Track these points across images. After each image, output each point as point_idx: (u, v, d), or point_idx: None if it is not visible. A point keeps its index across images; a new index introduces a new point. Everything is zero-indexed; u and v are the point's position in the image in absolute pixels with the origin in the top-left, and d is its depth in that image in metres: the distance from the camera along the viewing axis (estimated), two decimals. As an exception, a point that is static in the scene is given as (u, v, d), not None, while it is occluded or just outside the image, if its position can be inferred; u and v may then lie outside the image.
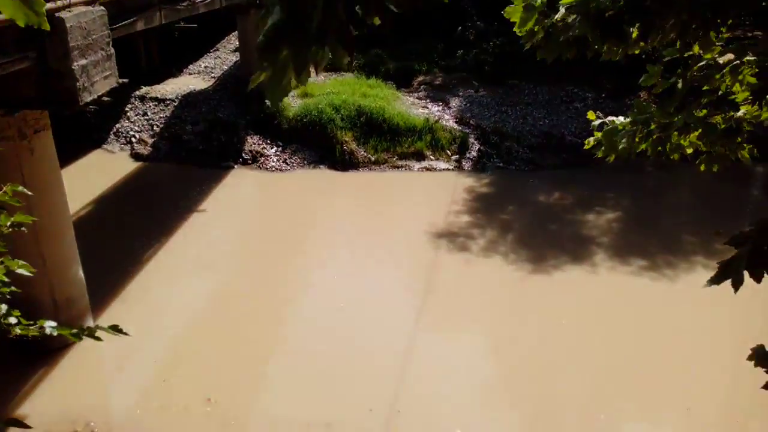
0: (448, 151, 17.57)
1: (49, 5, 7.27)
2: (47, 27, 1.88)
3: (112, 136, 18.14)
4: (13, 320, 3.07)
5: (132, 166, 16.97)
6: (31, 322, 3.09)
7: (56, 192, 9.15)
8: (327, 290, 11.38)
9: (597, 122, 5.03)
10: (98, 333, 3.13)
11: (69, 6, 7.71)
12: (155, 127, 18.26)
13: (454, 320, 10.56)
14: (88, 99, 8.10)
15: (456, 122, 18.69)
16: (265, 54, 2.11)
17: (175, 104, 18.89)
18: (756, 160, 4.78)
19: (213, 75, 21.12)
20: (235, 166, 16.98)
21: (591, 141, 5.06)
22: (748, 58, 4.00)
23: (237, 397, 8.59)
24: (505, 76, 20.42)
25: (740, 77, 4.19)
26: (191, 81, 20.58)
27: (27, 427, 2.95)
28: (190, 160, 17.12)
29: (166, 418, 8.17)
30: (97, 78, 8.29)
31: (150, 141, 17.88)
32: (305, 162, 17.14)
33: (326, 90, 19.13)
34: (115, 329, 3.15)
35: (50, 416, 8.09)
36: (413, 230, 13.48)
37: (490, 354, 9.89)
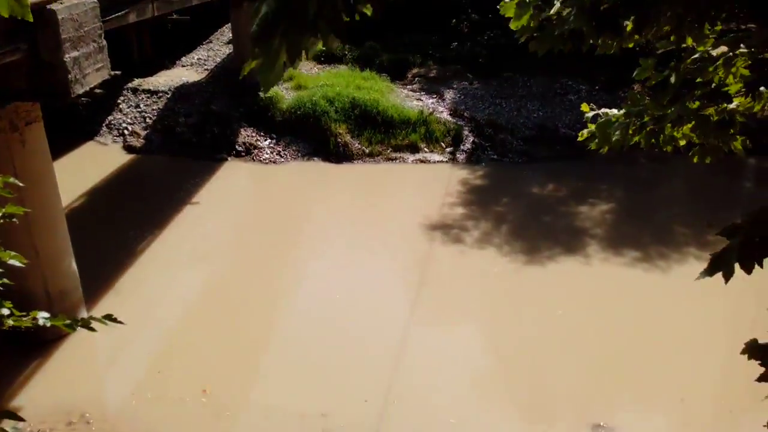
0: (443, 144, 17.58)
1: (40, -4, 7.21)
2: (30, 18, 1.88)
3: (104, 129, 18.04)
4: (5, 312, 3.06)
5: (125, 158, 16.89)
6: (24, 314, 3.08)
7: (48, 184, 9.11)
8: (321, 282, 11.40)
9: (590, 114, 5.04)
10: (92, 324, 3.12)
11: (60, -3, 7.64)
12: (148, 120, 18.17)
13: (448, 311, 10.60)
14: (80, 91, 8.05)
15: (450, 114, 18.68)
16: (259, 42, 2.13)
17: (168, 96, 18.79)
18: (749, 152, 4.80)
19: (206, 67, 21.01)
20: (229, 159, 16.93)
21: (585, 133, 5.08)
22: (741, 50, 4.01)
23: (232, 388, 8.61)
24: (499, 69, 20.40)
25: (733, 70, 4.20)
26: (184, 73, 20.47)
27: (20, 419, 2.95)
28: (183, 152, 17.06)
29: (161, 409, 8.18)
30: (89, 70, 8.23)
31: (143, 133, 17.79)
32: (299, 154, 17.11)
33: (320, 82, 19.07)
34: (110, 318, 3.15)
35: (45, 408, 8.09)
36: (407, 222, 13.49)
37: (484, 345, 9.94)
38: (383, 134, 17.42)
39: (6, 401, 8.21)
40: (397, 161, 16.97)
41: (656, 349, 9.39)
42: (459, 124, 18.10)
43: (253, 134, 17.62)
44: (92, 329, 3.17)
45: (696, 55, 4.27)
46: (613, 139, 4.68)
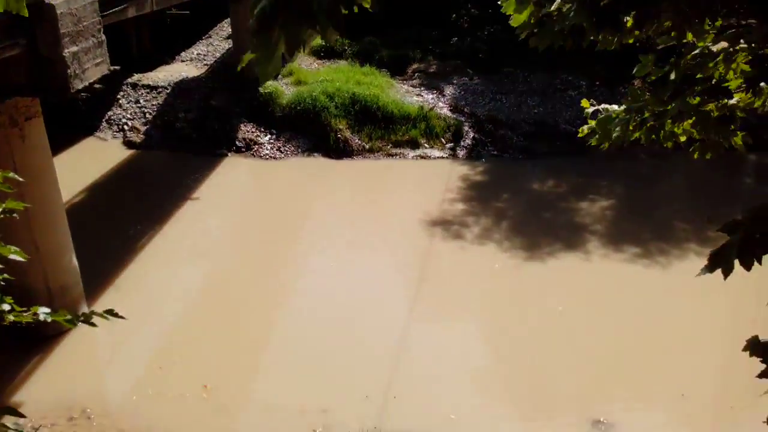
0: (443, 139, 17.56)
1: (39, -9, 7.19)
2: (25, 13, 1.88)
3: (104, 124, 18.01)
4: (6, 307, 3.06)
5: (124, 153, 16.88)
6: (25, 309, 3.08)
7: (48, 180, 9.11)
8: (322, 278, 11.40)
9: (591, 110, 5.03)
10: (93, 319, 3.12)
11: (60, -8, 7.62)
12: (148, 115, 18.15)
13: (448, 307, 10.61)
14: (80, 86, 8.05)
15: (450, 110, 18.65)
16: (258, 34, 2.15)
17: (168, 92, 18.76)
18: (749, 148, 4.80)
19: (206, 62, 20.96)
20: (229, 154, 16.91)
21: (585, 129, 5.06)
22: (741, 45, 4.00)
23: (232, 384, 8.63)
24: (499, 64, 20.37)
25: (734, 65, 4.19)
26: (184, 68, 20.43)
27: (21, 416, 2.95)
28: (183, 147, 17.04)
29: (161, 405, 8.20)
30: (88, 65, 8.22)
31: (142, 129, 17.78)
32: (299, 150, 17.09)
33: (320, 77, 19.03)
34: (111, 313, 3.15)
35: (46, 403, 8.11)
36: (408, 218, 13.49)
37: (484, 341, 9.95)
38: (383, 130, 17.41)
39: (7, 397, 8.23)
40: (398, 157, 16.95)
41: (657, 345, 9.41)
42: (459, 120, 18.08)
43: (253, 130, 17.60)
44: (93, 324, 3.17)
45: (696, 51, 4.26)
46: (614, 135, 4.67)
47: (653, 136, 4.67)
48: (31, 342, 8.96)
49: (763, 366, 3.20)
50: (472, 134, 17.80)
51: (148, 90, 18.86)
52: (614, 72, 18.35)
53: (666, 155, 14.24)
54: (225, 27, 23.19)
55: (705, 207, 14.05)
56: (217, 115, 17.75)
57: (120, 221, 13.02)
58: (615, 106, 4.82)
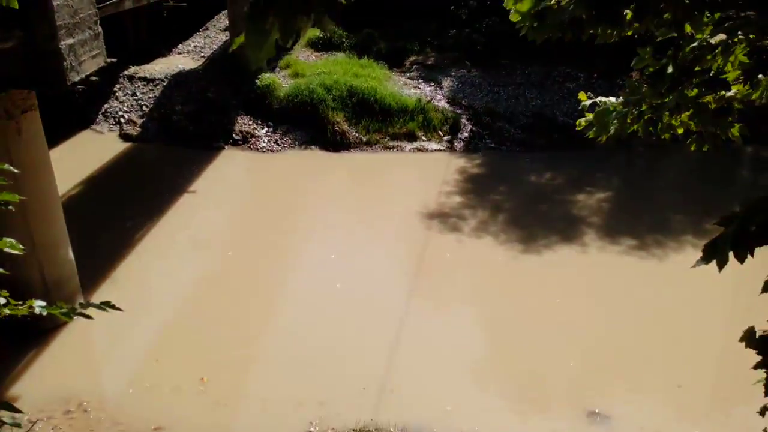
0: (440, 132, 17.53)
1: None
2: (15, 5, 1.87)
3: (100, 117, 17.94)
4: (1, 300, 3.05)
5: (121, 146, 16.82)
6: (20, 302, 3.07)
7: (45, 172, 9.08)
8: (318, 270, 11.41)
9: (588, 103, 5.01)
10: (90, 311, 3.11)
11: (55, -17, 7.57)
12: (144, 108, 18.08)
13: (445, 300, 10.63)
14: (76, 79, 8.01)
15: (448, 103, 18.62)
16: (252, 20, 2.13)
17: (165, 84, 18.68)
18: (746, 140, 4.80)
19: (203, 55, 20.88)
20: (226, 147, 16.87)
21: (582, 122, 5.05)
22: (739, 37, 3.99)
23: (230, 376, 8.64)
24: (497, 56, 20.32)
25: (732, 58, 4.18)
26: (180, 61, 20.35)
27: (18, 411, 2.94)
28: (180, 140, 16.98)
29: (158, 398, 8.22)
30: (84, 57, 8.18)
31: (139, 122, 17.71)
32: (296, 143, 17.05)
33: (317, 70, 18.97)
34: (108, 305, 3.14)
35: (43, 397, 8.12)
36: (405, 211, 13.49)
37: (481, 333, 9.98)
38: (381, 122, 17.37)
39: (3, 391, 8.23)
40: (395, 150, 16.93)
41: (653, 337, 9.44)
42: (457, 113, 18.05)
43: (250, 122, 17.55)
44: (89, 317, 3.16)
45: (695, 44, 4.25)
46: (611, 128, 4.66)
47: (651, 129, 4.66)
48: (27, 336, 8.95)
49: (758, 357, 3.21)
50: (469, 127, 17.78)
51: (144, 82, 18.78)
52: (612, 64, 18.30)
53: (663, 147, 14.25)
54: (222, 19, 23.09)
55: (701, 199, 14.09)
56: (214, 107, 17.68)
57: (116, 214, 13.00)
58: (612, 99, 4.81)
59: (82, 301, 9.89)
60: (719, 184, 14.91)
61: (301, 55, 20.66)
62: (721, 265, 2.97)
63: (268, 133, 17.28)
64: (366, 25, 21.26)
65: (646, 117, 4.52)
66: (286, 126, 17.42)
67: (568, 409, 8.10)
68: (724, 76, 4.27)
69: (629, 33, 4.22)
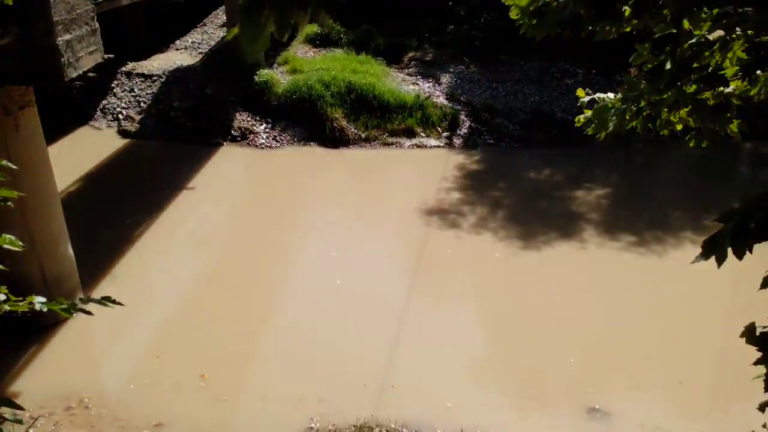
0: (439, 128, 17.53)
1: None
2: (9, 1, 1.86)
3: (98, 113, 17.92)
4: (1, 297, 3.06)
5: (119, 143, 16.80)
6: (20, 299, 3.07)
7: (43, 169, 9.07)
8: (318, 267, 11.41)
9: (586, 99, 5.02)
10: (90, 307, 3.11)
11: (52, -21, 7.55)
12: (142, 104, 18.05)
13: (445, 296, 10.64)
14: (74, 75, 7.99)
15: (446, 99, 18.61)
16: (247, 13, 2.13)
17: (162, 80, 18.65)
18: (745, 137, 4.80)
19: (200, 51, 20.83)
20: (224, 143, 16.85)
21: (581, 119, 5.05)
22: (737, 33, 3.99)
23: (230, 373, 8.65)
24: (495, 52, 20.30)
25: (730, 54, 4.18)
26: (178, 57, 20.30)
27: (20, 408, 2.94)
28: (179, 137, 16.97)
29: (159, 394, 8.22)
30: (82, 53, 8.16)
31: (137, 118, 17.69)
32: (295, 139, 17.04)
33: (316, 66, 18.94)
34: (108, 300, 3.14)
35: (43, 393, 8.12)
36: (404, 207, 13.50)
37: (480, 329, 9.99)
38: (379, 119, 17.36)
39: (4, 387, 8.24)
40: (394, 146, 16.92)
41: (653, 333, 9.46)
42: (455, 109, 18.05)
43: (249, 119, 17.54)
44: (89, 313, 3.17)
45: (693, 40, 4.25)
46: (610, 124, 4.67)
47: (649, 125, 4.67)
48: (27, 332, 8.95)
49: (759, 354, 3.23)
50: (468, 123, 17.77)
51: (142, 79, 18.75)
52: (611, 60, 18.32)
53: (662, 143, 14.27)
54: (220, 15, 23.04)
55: (700, 195, 14.10)
56: (213, 103, 17.66)
57: (116, 210, 13.00)
58: (610, 95, 4.81)
59: (82, 296, 9.88)
60: (718, 180, 14.93)
61: (299, 51, 20.63)
62: (720, 261, 2.98)
63: (267, 130, 17.27)
64: (364, 21, 21.23)
65: (644, 113, 4.53)
66: (285, 122, 17.41)
67: (568, 406, 8.12)
68: (723, 72, 4.28)
69: (628, 29, 4.22)
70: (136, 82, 18.64)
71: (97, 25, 8.56)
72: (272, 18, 2.15)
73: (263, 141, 16.92)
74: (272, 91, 17.80)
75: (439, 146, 17.01)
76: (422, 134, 17.31)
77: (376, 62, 19.62)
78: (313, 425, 7.73)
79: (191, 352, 9.03)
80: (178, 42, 21.52)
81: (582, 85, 6.44)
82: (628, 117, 4.60)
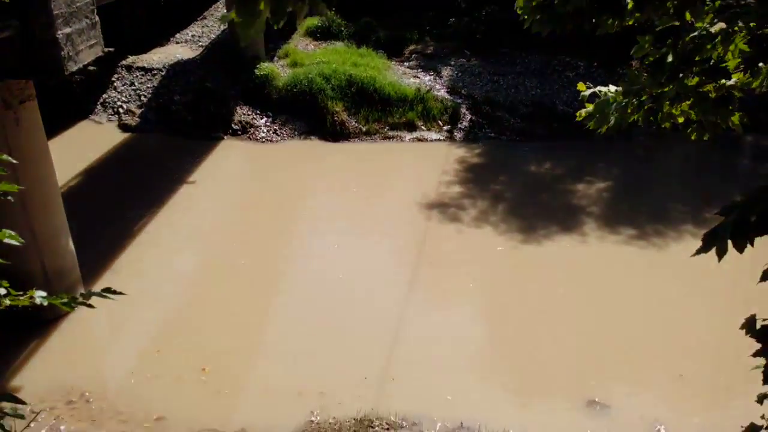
0: (440, 122, 17.49)
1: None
2: None
3: (99, 107, 17.89)
4: (2, 291, 3.05)
5: (120, 137, 16.79)
6: (21, 293, 3.07)
7: (44, 163, 9.06)
8: (319, 261, 11.41)
9: (587, 93, 4.99)
10: (92, 300, 3.11)
11: (51, -28, 7.52)
12: (143, 98, 18.02)
13: (446, 290, 10.65)
14: (74, 68, 7.97)
15: (447, 92, 18.55)
16: (243, 1, 2.12)
17: (163, 74, 18.61)
18: (746, 129, 4.79)
19: (201, 44, 20.77)
20: (225, 137, 16.83)
21: (583, 113, 5.03)
22: (739, 25, 3.97)
23: (231, 366, 8.67)
24: (497, 45, 20.22)
25: (732, 47, 4.17)
26: (178, 50, 20.24)
27: (22, 402, 2.95)
28: (179, 130, 16.94)
29: (160, 388, 8.25)
30: (82, 47, 8.14)
31: (138, 112, 17.66)
32: (295, 133, 17.01)
33: (316, 59, 18.88)
34: (109, 291, 3.14)
35: (44, 387, 8.15)
36: (405, 201, 13.49)
37: (481, 322, 10.01)
38: (380, 112, 17.32)
39: (6, 381, 8.27)
40: (395, 140, 16.90)
41: (654, 326, 9.47)
42: (456, 102, 18.00)
43: (249, 112, 17.50)
44: (91, 306, 3.16)
45: (695, 33, 4.23)
46: (612, 118, 4.65)
47: (651, 118, 4.66)
48: (28, 326, 8.97)
49: (758, 345, 3.23)
50: (469, 116, 17.73)
51: (142, 72, 18.71)
52: (612, 53, 18.22)
53: (663, 136, 14.23)
54: (220, 8, 22.96)
55: (702, 188, 14.09)
56: (213, 97, 17.61)
57: (116, 205, 13.00)
58: (612, 88, 4.80)
59: (83, 291, 9.91)
60: (719, 173, 14.91)
61: (300, 44, 20.57)
62: (721, 254, 2.97)
63: (267, 123, 17.24)
64: (364, 13, 21.15)
65: (646, 107, 4.52)
66: (285, 116, 17.37)
67: (568, 398, 8.14)
68: (725, 64, 4.26)
69: (630, 23, 4.21)
70: (137, 76, 18.60)
71: (97, 18, 8.53)
72: (269, 7, 2.14)
73: (264, 135, 16.90)
74: (273, 85, 17.76)
75: (439, 140, 16.99)
76: (423, 128, 17.27)
77: (377, 55, 19.56)
78: (313, 418, 7.76)
79: (192, 345, 9.05)
80: (178, 35, 21.45)
81: (583, 77, 6.43)
82: (629, 110, 4.59)
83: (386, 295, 10.29)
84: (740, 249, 2.95)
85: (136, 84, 18.39)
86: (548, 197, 13.91)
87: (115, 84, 18.39)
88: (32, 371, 8.52)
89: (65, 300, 3.08)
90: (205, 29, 21.96)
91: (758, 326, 3.25)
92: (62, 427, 7.59)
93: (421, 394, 8.14)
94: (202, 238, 12.15)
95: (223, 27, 21.72)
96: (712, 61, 4.30)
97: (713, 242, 3.00)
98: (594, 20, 3.95)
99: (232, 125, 17.11)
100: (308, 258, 11.64)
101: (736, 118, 4.56)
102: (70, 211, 9.75)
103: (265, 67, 18.05)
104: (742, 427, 3.57)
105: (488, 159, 16.06)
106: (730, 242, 2.94)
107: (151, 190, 13.74)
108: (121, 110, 17.72)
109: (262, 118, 17.37)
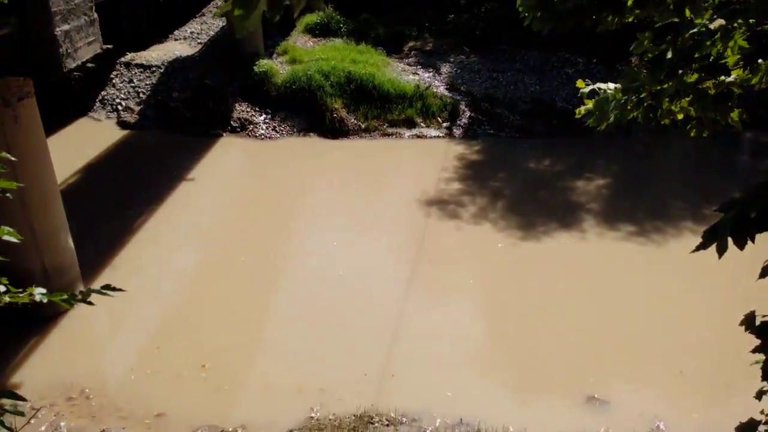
0: (439, 119, 17.48)
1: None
2: None
3: (98, 104, 17.86)
4: (1, 288, 3.05)
5: (119, 134, 16.76)
6: (20, 290, 3.07)
7: (42, 160, 9.06)
8: (318, 258, 11.42)
9: (586, 90, 4.99)
10: (91, 297, 3.11)
11: (50, -31, 7.50)
12: (141, 95, 17.99)
13: (445, 286, 10.66)
14: (72, 65, 7.96)
15: (447, 89, 18.54)
16: None
17: (162, 71, 18.57)
18: (746, 125, 4.79)
19: (199, 41, 20.73)
20: (224, 134, 16.81)
21: (582, 110, 5.03)
22: (738, 22, 3.97)
23: (231, 363, 8.68)
24: (496, 42, 20.20)
25: (731, 43, 4.16)
26: (177, 47, 20.20)
27: (22, 399, 2.95)
28: (178, 128, 16.92)
29: (160, 384, 8.26)
30: (80, 44, 8.13)
31: (136, 109, 17.63)
32: (295, 130, 16.99)
33: (315, 56, 18.85)
34: (109, 288, 3.14)
35: (44, 384, 8.16)
36: (404, 198, 13.49)
37: (480, 319, 10.02)
38: (379, 109, 17.30)
39: (6, 378, 8.27)
40: (394, 137, 16.88)
41: (653, 323, 9.48)
42: (456, 99, 17.98)
43: (248, 109, 17.48)
44: (90, 303, 3.16)
45: (694, 29, 4.23)
46: (611, 116, 4.65)
47: (650, 115, 4.65)
48: (28, 324, 8.98)
49: (758, 341, 3.24)
50: (468, 113, 17.72)
51: (141, 69, 18.67)
52: (612, 50, 18.22)
53: (662, 133, 14.23)
54: (218, 5, 22.90)
55: (701, 185, 14.09)
56: (212, 94, 17.59)
57: (115, 202, 12.99)
58: (611, 84, 4.79)
59: (82, 288, 9.91)
60: (718, 169, 14.91)
61: (299, 41, 20.54)
62: (721, 251, 2.97)
63: (266, 120, 17.22)
64: (363, 10, 21.11)
65: (645, 104, 4.51)
66: (284, 113, 17.35)
67: (568, 395, 8.15)
68: (724, 61, 4.26)
69: (630, 19, 4.20)
70: (135, 73, 18.57)
71: (95, 15, 8.51)
72: (265, 0, 2.13)
73: (263, 132, 16.88)
74: (272, 82, 17.73)
75: (439, 136, 16.97)
76: (422, 124, 17.26)
77: (376, 52, 19.53)
78: (313, 414, 7.77)
79: (191, 342, 9.06)
80: (176, 32, 21.41)
81: (583, 74, 6.42)
82: (629, 107, 4.58)
83: (386, 292, 10.30)
84: (740, 246, 2.95)
85: (134, 81, 18.35)
86: (547, 194, 13.91)
87: (113, 81, 18.35)
88: (32, 368, 8.53)
89: (65, 297, 3.08)
90: (204, 26, 21.91)
91: (758, 322, 3.25)
92: (62, 424, 7.60)
93: (421, 390, 8.16)
94: (202, 235, 12.15)
95: (221, 24, 21.69)
96: (712, 57, 4.29)
97: (713, 239, 3.00)
98: (594, 17, 3.94)
99: (231, 122, 17.09)
100: (307, 255, 11.64)
101: (735, 115, 4.56)
102: (69, 208, 9.75)
103: (264, 64, 18.02)
104: (741, 422, 3.58)
105: (487, 156, 16.05)
106: (730, 239, 2.94)
107: (150, 187, 13.73)
108: (119, 107, 17.69)
109: (261, 115, 17.35)
